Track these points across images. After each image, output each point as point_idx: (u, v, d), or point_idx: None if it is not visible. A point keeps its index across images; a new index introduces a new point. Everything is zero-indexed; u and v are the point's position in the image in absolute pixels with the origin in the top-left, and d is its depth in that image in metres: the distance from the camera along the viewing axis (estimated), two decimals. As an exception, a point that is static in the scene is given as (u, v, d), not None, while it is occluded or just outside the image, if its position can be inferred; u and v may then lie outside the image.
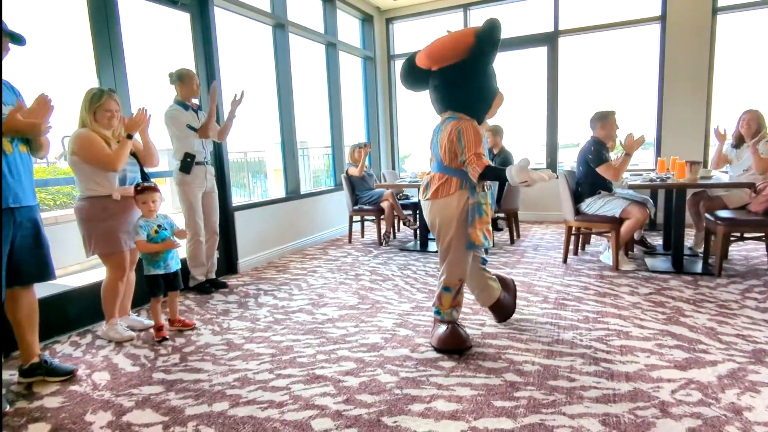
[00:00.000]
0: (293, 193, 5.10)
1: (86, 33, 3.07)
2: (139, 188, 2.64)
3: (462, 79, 2.24)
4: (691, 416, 1.70)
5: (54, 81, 2.88)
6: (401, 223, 5.54)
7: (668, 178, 3.69)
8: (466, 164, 2.20)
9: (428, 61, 2.27)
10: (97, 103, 2.54)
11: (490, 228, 2.37)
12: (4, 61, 2.00)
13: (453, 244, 2.33)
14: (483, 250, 2.54)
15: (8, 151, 2.00)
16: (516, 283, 2.84)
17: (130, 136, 2.60)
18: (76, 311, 2.94)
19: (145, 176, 2.82)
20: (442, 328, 2.40)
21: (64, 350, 2.62)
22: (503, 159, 4.94)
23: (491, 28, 2.12)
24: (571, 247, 4.18)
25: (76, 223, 2.65)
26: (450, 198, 2.29)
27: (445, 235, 2.33)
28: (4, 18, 1.96)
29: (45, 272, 2.21)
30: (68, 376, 2.25)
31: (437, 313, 2.46)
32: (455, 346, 2.33)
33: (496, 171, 2.19)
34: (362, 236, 5.64)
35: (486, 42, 2.14)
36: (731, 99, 5.21)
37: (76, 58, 3.37)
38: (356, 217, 5.42)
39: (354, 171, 5.17)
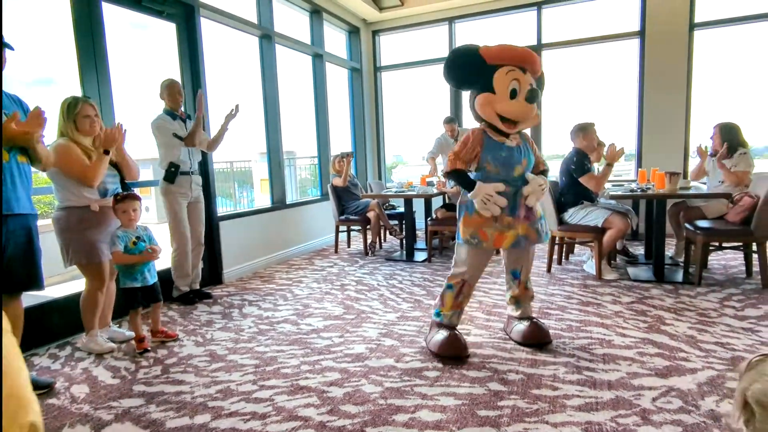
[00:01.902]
0: (279, 203, 5.08)
1: (70, 42, 3.05)
2: (118, 197, 2.61)
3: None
4: (672, 423, 1.73)
5: (37, 90, 2.86)
6: (387, 233, 5.55)
7: (649, 188, 3.77)
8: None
9: None
10: (74, 111, 2.51)
11: (488, 231, 2.36)
12: (3, 73, 2.01)
13: (456, 236, 2.50)
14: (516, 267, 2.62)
15: (5, 159, 1.99)
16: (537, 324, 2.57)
17: (107, 152, 2.56)
18: (56, 323, 2.88)
19: (125, 187, 2.80)
20: (442, 334, 2.41)
21: (42, 363, 2.56)
22: None
23: (447, 57, 2.39)
24: (555, 256, 4.23)
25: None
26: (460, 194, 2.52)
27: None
28: None
29: (34, 282, 2.18)
30: (46, 389, 2.20)
31: (437, 314, 2.49)
32: (454, 352, 2.35)
33: (462, 178, 2.37)
34: (348, 246, 5.63)
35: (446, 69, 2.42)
36: (709, 111, 5.35)
37: (59, 68, 3.35)
38: (342, 227, 5.42)
39: (338, 181, 5.17)
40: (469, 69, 2.35)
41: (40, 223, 2.27)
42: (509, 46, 2.35)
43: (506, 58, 2.32)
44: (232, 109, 3.54)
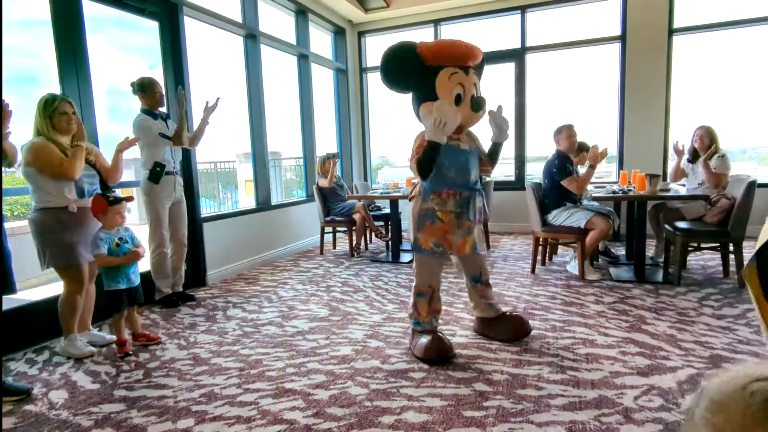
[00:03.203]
0: (264, 204, 5.04)
1: (49, 40, 2.98)
2: (111, 199, 2.55)
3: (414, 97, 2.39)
4: (653, 422, 1.76)
5: (14, 89, 2.79)
6: (373, 234, 5.55)
7: (630, 190, 3.83)
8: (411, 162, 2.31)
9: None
10: (51, 108, 2.46)
11: (452, 239, 2.36)
12: None
13: (414, 248, 2.44)
14: (478, 271, 2.60)
15: None
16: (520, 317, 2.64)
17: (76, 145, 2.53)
18: (33, 327, 2.81)
19: (106, 187, 2.74)
20: (425, 339, 2.40)
21: (19, 368, 2.49)
22: None
23: (382, 58, 2.28)
24: (539, 257, 4.27)
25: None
26: (413, 202, 2.42)
27: (411, 238, 2.45)
28: None
29: (5, 285, 2.12)
30: (23, 395, 2.14)
31: (417, 323, 2.47)
32: (440, 355, 2.34)
33: (425, 150, 2.21)
34: (334, 248, 5.61)
35: (381, 70, 2.32)
36: (688, 115, 5.47)
37: (37, 66, 3.28)
38: (328, 229, 5.40)
39: (324, 182, 5.15)
40: (406, 69, 2.23)
41: (18, 224, 2.21)
42: (449, 43, 2.20)
43: (446, 58, 2.19)
44: (208, 101, 3.51)
